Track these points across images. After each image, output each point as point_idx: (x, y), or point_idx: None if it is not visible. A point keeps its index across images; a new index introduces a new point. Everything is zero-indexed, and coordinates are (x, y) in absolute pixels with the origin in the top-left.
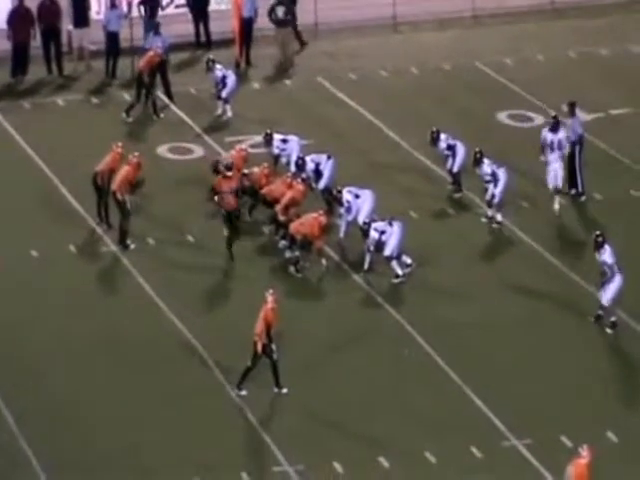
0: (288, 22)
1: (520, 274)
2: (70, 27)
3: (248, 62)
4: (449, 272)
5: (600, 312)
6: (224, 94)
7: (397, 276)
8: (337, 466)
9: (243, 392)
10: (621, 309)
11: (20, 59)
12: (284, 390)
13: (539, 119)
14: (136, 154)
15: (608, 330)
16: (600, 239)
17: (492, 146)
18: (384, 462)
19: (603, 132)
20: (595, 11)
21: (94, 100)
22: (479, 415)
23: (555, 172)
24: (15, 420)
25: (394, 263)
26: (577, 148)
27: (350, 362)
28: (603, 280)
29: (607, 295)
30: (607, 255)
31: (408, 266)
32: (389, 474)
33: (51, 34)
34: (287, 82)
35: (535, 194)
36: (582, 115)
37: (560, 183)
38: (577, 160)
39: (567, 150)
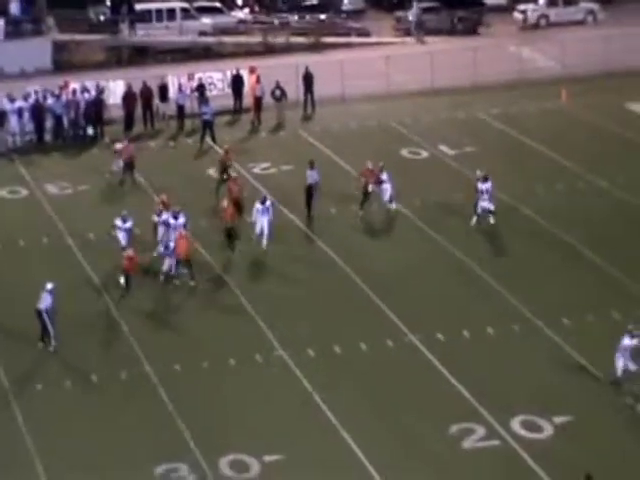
0: (282, 99)
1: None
2: (157, 101)
3: (260, 122)
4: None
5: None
6: None
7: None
8: None
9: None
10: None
11: (129, 121)
12: None
13: (425, 153)
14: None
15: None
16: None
17: (397, 168)
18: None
19: (463, 162)
20: (456, 92)
21: (171, 143)
22: None
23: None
24: None
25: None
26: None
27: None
28: None
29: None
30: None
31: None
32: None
33: (147, 106)
34: (281, 133)
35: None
36: (447, 149)
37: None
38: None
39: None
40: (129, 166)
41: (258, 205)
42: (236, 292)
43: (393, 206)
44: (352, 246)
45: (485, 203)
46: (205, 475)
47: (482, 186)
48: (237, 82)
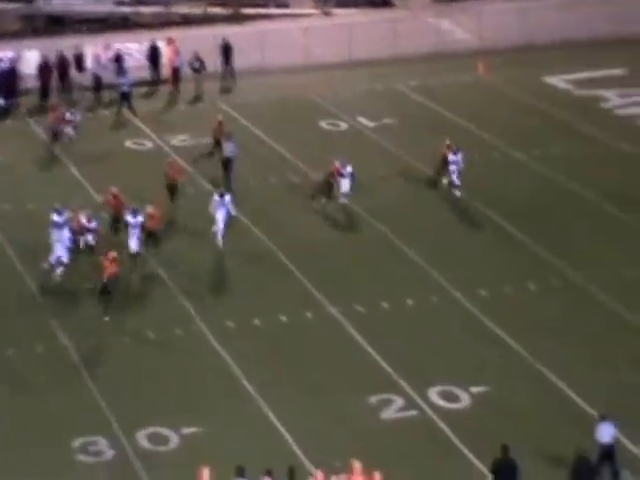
0: (200, 70)
1: None
2: (73, 72)
3: (178, 93)
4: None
5: None
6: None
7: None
8: None
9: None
10: None
11: (45, 92)
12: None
13: (344, 125)
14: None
15: None
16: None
17: (316, 140)
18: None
19: (382, 134)
20: (375, 64)
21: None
22: None
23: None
24: None
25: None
26: None
27: None
28: None
29: None
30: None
31: None
32: None
33: (63, 77)
34: (200, 104)
35: None
36: (366, 121)
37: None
38: None
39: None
40: (56, 136)
41: (216, 197)
42: (151, 262)
43: (345, 201)
44: (272, 217)
45: (454, 176)
46: (124, 448)
47: (453, 157)
48: (154, 53)
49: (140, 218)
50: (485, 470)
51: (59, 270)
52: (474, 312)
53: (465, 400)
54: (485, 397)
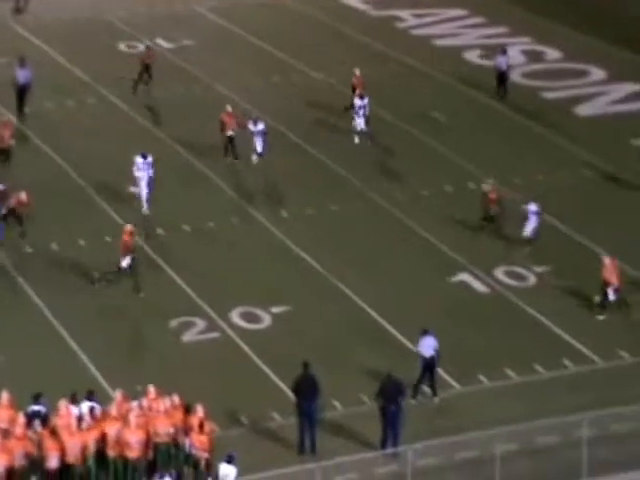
0: None
1: None
2: None
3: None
4: None
5: None
6: None
7: None
8: None
9: None
10: None
11: None
12: None
13: (142, 48)
14: None
15: None
16: None
17: (115, 62)
18: None
19: (180, 55)
20: None
21: None
22: None
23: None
24: None
25: None
26: None
27: None
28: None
29: None
30: None
31: None
32: None
33: None
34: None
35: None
36: (165, 43)
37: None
38: None
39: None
40: None
41: (139, 159)
42: None
43: (255, 160)
44: (66, 141)
45: (361, 120)
46: None
47: (359, 102)
48: None
49: None
50: (286, 388)
51: None
52: (276, 233)
53: (266, 320)
54: (286, 317)
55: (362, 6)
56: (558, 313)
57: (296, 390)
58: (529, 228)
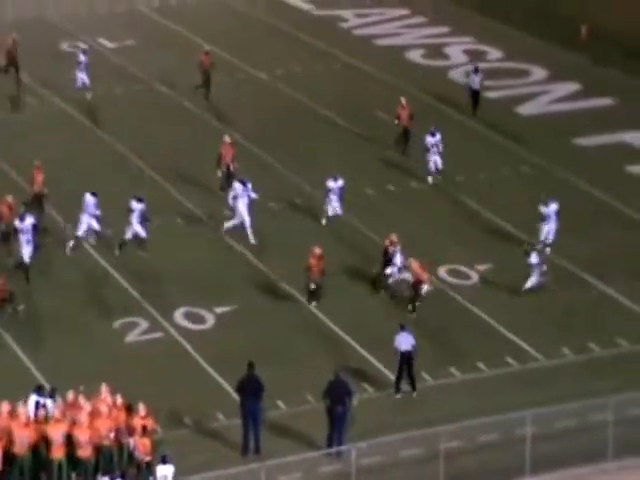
0: None
1: None
2: None
3: None
4: None
5: None
6: None
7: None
8: None
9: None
10: None
11: None
12: None
13: (84, 48)
14: None
15: None
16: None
17: (57, 62)
18: None
19: (123, 55)
20: None
21: None
22: None
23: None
24: None
25: None
26: None
27: None
28: None
29: None
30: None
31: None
32: None
33: None
34: None
35: None
36: (107, 43)
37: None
38: None
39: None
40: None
41: (237, 185)
42: None
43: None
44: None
45: (437, 157)
46: None
47: (431, 140)
48: None
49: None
50: (230, 389)
51: None
52: (220, 236)
53: (210, 320)
54: (229, 317)
55: (306, 6)
56: (501, 311)
57: (240, 390)
58: (530, 283)
